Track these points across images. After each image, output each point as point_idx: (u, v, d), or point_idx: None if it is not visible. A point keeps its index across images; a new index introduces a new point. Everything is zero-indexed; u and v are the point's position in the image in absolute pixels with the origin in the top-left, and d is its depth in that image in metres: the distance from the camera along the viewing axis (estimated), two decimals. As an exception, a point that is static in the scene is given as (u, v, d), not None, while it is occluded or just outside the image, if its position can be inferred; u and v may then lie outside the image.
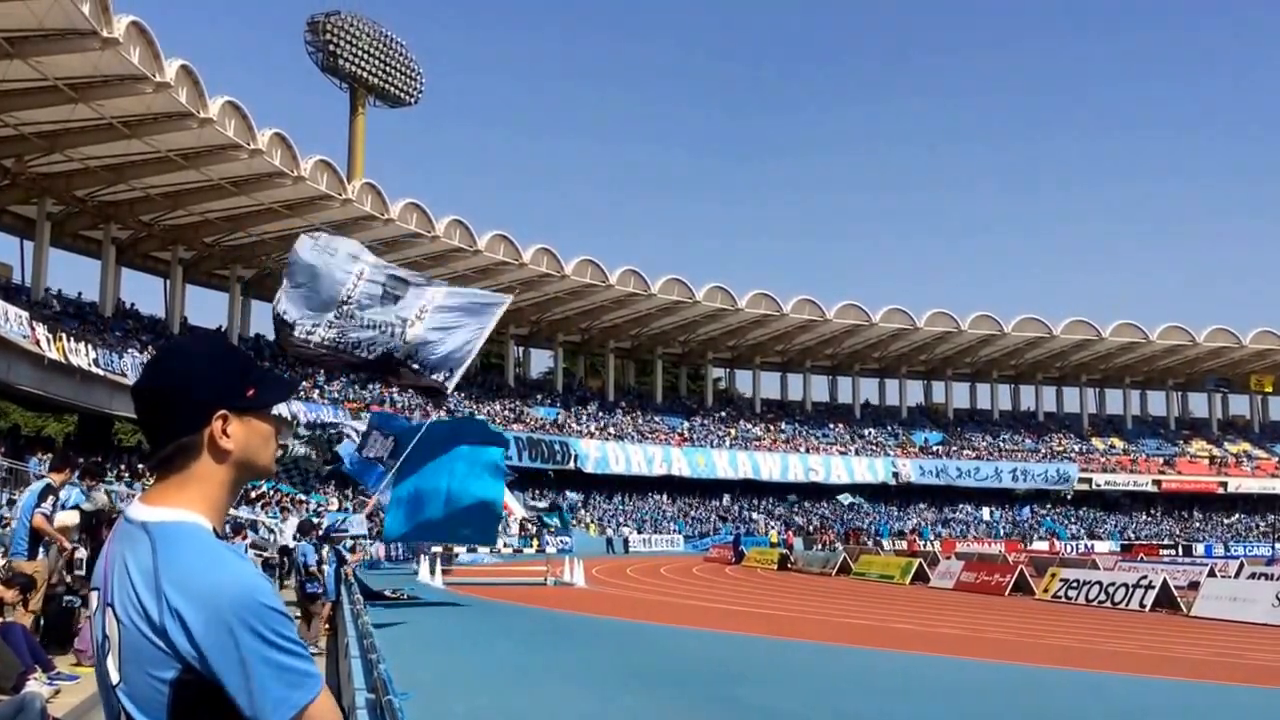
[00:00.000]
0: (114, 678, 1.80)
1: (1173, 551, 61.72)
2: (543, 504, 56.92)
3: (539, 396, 70.08)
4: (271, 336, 58.47)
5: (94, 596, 1.90)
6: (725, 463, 70.16)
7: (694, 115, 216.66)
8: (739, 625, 20.06)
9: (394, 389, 59.56)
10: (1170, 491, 77.95)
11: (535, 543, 48.71)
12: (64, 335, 35.24)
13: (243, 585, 1.74)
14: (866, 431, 77.99)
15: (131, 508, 1.92)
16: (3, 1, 31.32)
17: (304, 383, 51.97)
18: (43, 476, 11.85)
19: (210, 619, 1.70)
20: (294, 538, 17.40)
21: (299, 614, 14.25)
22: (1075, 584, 27.46)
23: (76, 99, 36.68)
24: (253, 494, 33.55)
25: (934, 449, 77.12)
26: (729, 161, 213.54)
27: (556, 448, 63.68)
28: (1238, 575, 29.23)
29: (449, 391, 15.76)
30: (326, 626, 15.03)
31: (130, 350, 41.54)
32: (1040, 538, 69.29)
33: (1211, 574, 28.86)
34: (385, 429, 18.93)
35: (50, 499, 10.76)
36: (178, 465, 1.90)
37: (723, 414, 76.92)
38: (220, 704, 1.74)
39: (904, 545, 55.47)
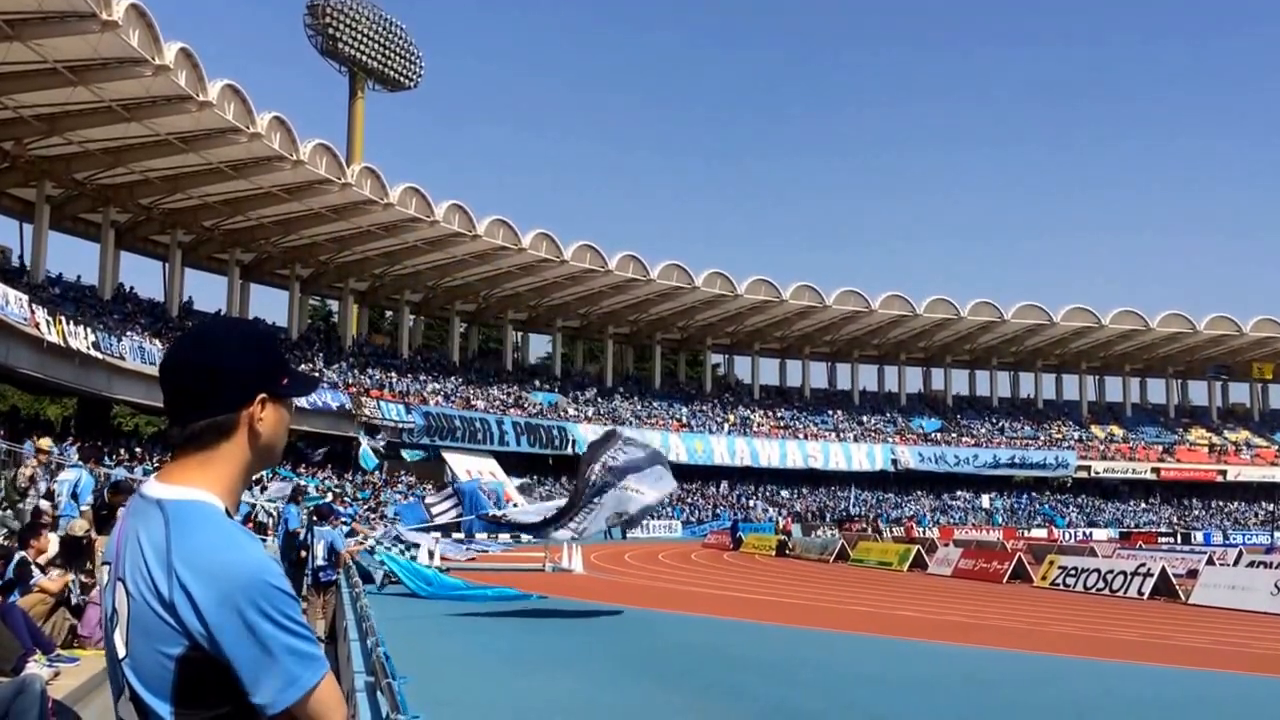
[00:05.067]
0: (120, 651, 1.81)
1: (1171, 539, 61.77)
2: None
3: (537, 382, 70.08)
4: (270, 321, 58.58)
5: (105, 571, 1.90)
6: (723, 449, 70.19)
7: (696, 102, 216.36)
8: (738, 611, 20.07)
9: (385, 387, 59.57)
10: (1169, 479, 78.03)
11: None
12: (63, 318, 35.21)
13: (252, 566, 1.75)
14: (865, 418, 77.99)
15: (146, 485, 1.92)
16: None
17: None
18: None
19: (219, 597, 1.71)
20: (287, 519, 17.38)
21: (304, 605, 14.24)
22: (1073, 572, 27.46)
23: (76, 81, 36.56)
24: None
25: (933, 436, 77.13)
26: (730, 148, 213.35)
27: (554, 433, 63.70)
28: (1236, 563, 29.25)
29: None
30: (321, 615, 15.01)
31: (130, 334, 41.50)
32: (1038, 525, 69.37)
33: (1210, 562, 28.90)
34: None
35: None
36: (206, 444, 1.89)
37: (721, 400, 76.92)
38: (225, 682, 1.74)
39: (901, 532, 55.53)
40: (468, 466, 57.01)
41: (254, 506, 29.74)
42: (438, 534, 28.78)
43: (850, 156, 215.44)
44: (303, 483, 33.08)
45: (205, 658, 1.73)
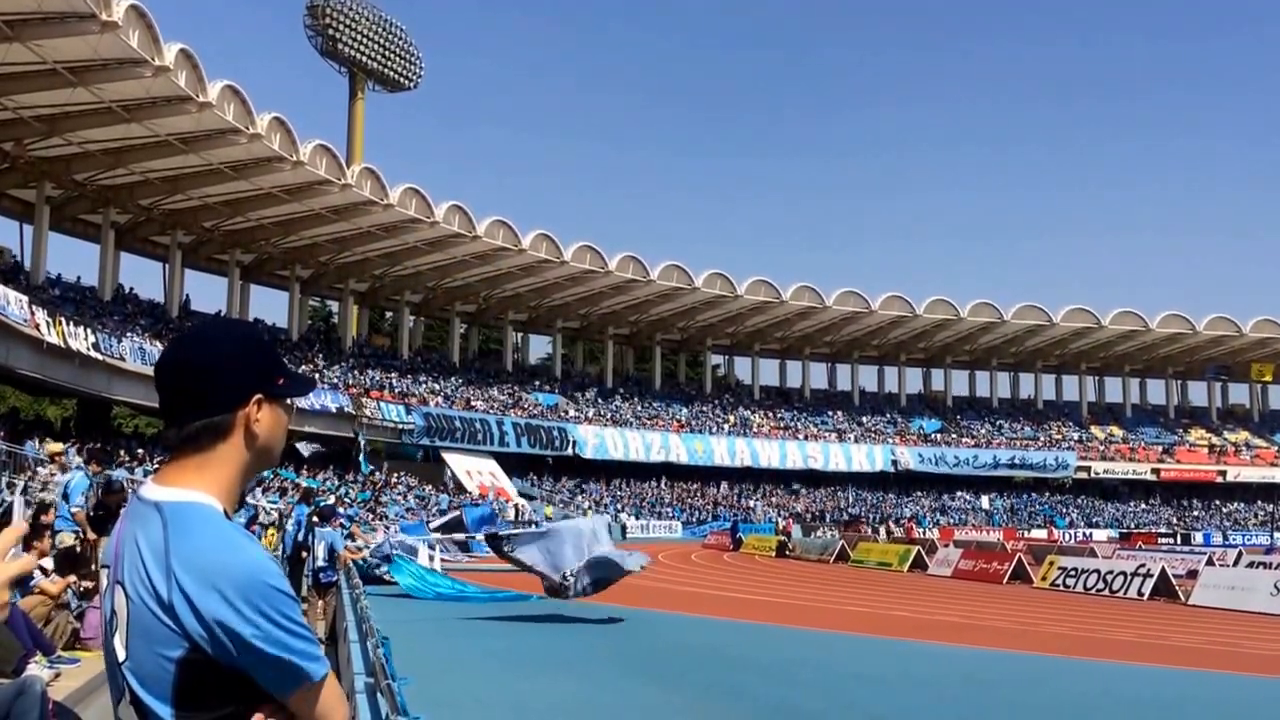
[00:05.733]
0: (120, 655, 1.81)
1: (1171, 540, 61.77)
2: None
3: (537, 382, 70.05)
4: (269, 322, 58.59)
5: (104, 574, 1.91)
6: (724, 450, 70.16)
7: (694, 102, 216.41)
8: (738, 612, 20.08)
9: (385, 388, 59.51)
10: (1169, 480, 77.97)
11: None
12: (63, 319, 35.20)
13: (251, 567, 1.75)
14: (865, 419, 77.95)
15: (144, 487, 1.92)
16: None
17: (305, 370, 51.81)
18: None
19: (218, 599, 1.71)
20: (300, 523, 17.32)
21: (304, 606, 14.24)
22: (1073, 572, 27.49)
23: (76, 82, 36.54)
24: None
25: (933, 437, 77.09)
26: (730, 148, 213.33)
27: (555, 434, 63.68)
28: (1236, 564, 29.30)
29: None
30: (321, 616, 15.00)
31: (130, 335, 41.50)
32: (1038, 526, 69.33)
33: (1210, 563, 28.94)
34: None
35: None
36: (203, 445, 1.88)
37: (721, 401, 76.90)
38: (226, 684, 1.74)
39: (901, 533, 55.51)
40: (468, 467, 57.04)
41: (256, 508, 29.75)
42: (438, 536, 28.76)
43: (850, 157, 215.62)
44: (310, 485, 33.08)
45: (205, 660, 1.73)
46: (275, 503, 33.29)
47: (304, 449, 44.75)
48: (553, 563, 16.32)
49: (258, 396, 1.92)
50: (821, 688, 11.56)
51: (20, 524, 1.59)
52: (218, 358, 1.90)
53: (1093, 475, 77.18)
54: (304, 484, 34.10)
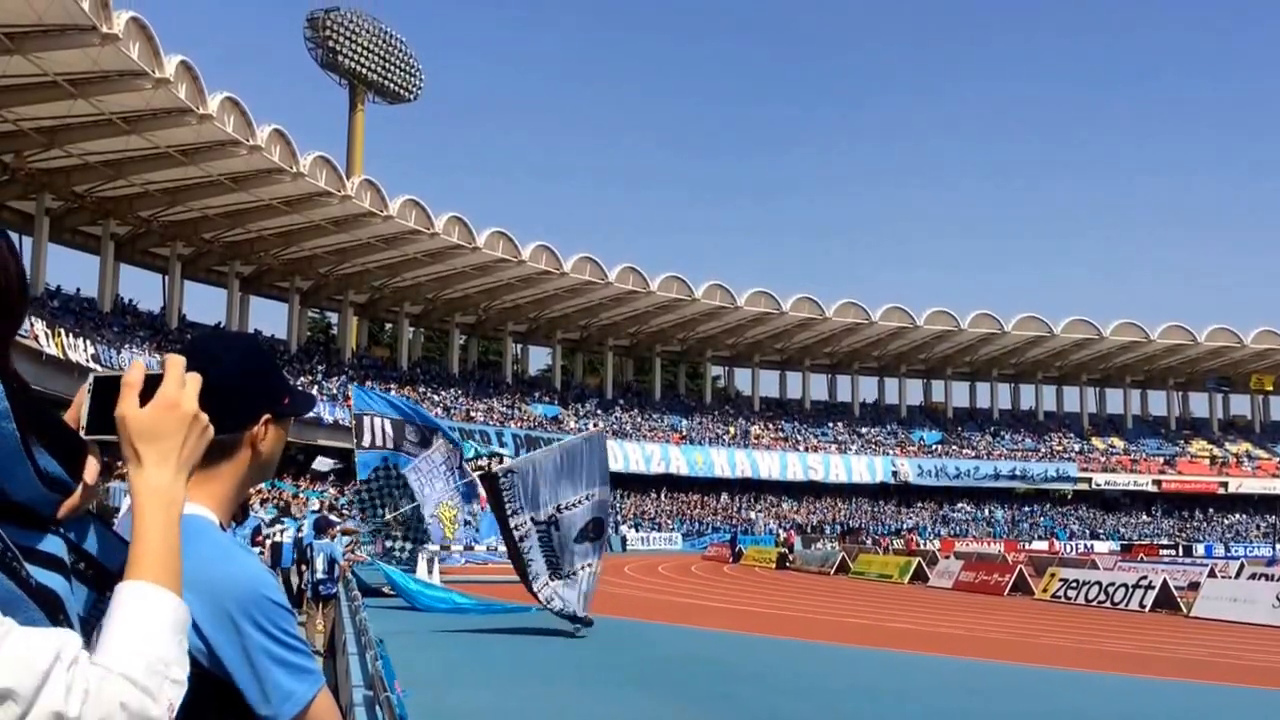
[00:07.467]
0: None
1: (1173, 552, 61.71)
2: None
3: (537, 394, 70.02)
4: (269, 333, 58.57)
5: None
6: (724, 461, 70.08)
7: (694, 112, 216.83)
8: (737, 624, 20.02)
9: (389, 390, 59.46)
10: (1170, 491, 77.89)
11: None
12: (62, 331, 35.20)
13: (248, 579, 1.74)
14: (865, 430, 77.92)
15: None
16: (2, -4, 31.26)
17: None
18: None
19: (215, 611, 1.69)
20: (304, 536, 17.29)
21: (302, 617, 14.22)
22: (1075, 584, 27.43)
23: (76, 94, 36.60)
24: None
25: (933, 448, 77.04)
26: (729, 159, 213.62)
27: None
28: (1238, 576, 29.23)
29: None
30: (320, 629, 14.98)
31: (129, 346, 41.50)
32: (1040, 537, 69.23)
33: (1212, 574, 28.86)
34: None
35: None
36: (208, 462, 1.84)
37: (721, 412, 76.86)
38: (221, 698, 1.72)
39: (901, 544, 55.41)
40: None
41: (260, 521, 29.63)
42: (438, 542, 28.62)
43: (851, 159, 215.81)
44: (304, 496, 33.08)
45: (202, 674, 1.71)
46: (271, 514, 33.14)
47: (321, 465, 44.32)
48: (557, 563, 16.14)
49: (266, 417, 1.90)
50: (818, 698, 11.51)
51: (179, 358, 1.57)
52: (230, 378, 1.85)
53: (1094, 487, 77.10)
54: (302, 495, 34.01)
